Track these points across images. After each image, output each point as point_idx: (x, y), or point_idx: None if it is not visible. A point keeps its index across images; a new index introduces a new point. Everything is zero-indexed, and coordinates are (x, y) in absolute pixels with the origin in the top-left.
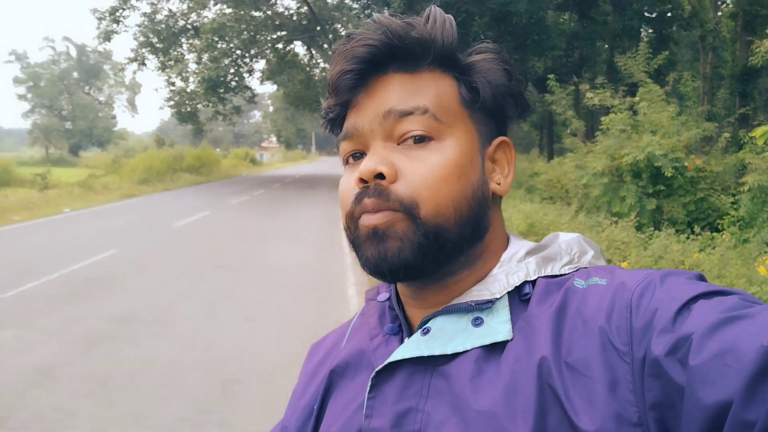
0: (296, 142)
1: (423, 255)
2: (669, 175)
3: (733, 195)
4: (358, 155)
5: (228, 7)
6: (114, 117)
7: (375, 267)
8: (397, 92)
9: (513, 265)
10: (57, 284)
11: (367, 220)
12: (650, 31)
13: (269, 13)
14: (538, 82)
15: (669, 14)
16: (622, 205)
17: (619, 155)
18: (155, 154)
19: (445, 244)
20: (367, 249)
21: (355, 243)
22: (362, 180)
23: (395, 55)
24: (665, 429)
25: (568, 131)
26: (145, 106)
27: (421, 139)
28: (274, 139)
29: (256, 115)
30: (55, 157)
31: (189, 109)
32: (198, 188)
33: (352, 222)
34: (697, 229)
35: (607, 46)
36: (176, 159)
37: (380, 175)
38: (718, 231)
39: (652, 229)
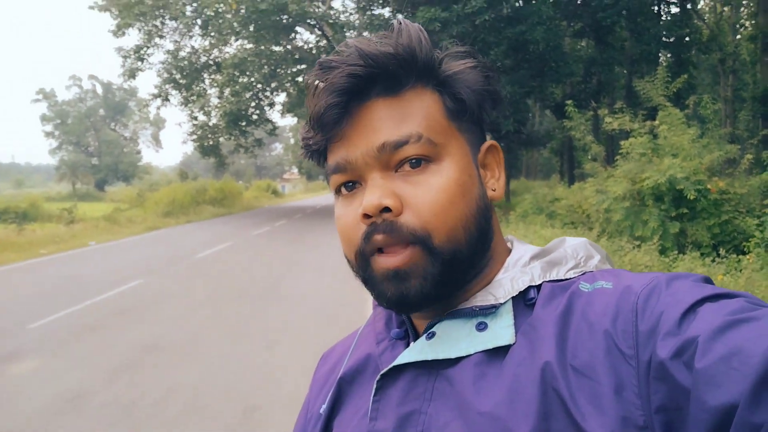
0: (317, 173)
1: (443, 284)
2: (691, 197)
3: (759, 217)
4: (351, 185)
5: (249, 42)
6: (139, 152)
7: (396, 305)
8: (385, 121)
9: (517, 270)
10: (83, 314)
11: (386, 263)
12: (669, 55)
13: (289, 47)
14: (556, 108)
15: (687, 38)
16: (645, 228)
17: (640, 179)
18: (179, 188)
19: (460, 265)
20: (386, 288)
21: (370, 281)
22: (367, 215)
23: (377, 80)
24: None
25: (589, 156)
26: (169, 141)
27: (418, 163)
28: (295, 170)
29: (278, 147)
30: (81, 192)
31: (211, 142)
32: (221, 220)
33: (362, 260)
34: (722, 251)
35: (625, 71)
36: (199, 192)
37: (386, 209)
38: (744, 253)
39: (676, 252)
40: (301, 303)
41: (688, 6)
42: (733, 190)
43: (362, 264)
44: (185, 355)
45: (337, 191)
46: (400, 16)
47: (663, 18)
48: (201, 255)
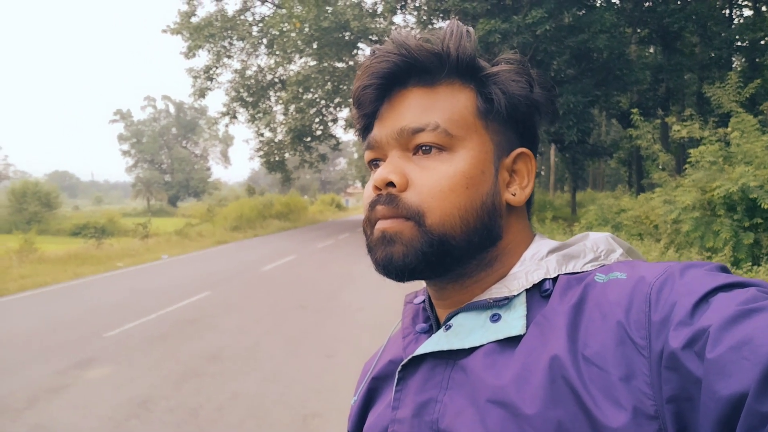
0: None
1: (427, 261)
2: (766, 207)
3: None
4: (379, 162)
5: (312, 59)
6: (209, 168)
7: (383, 268)
8: (413, 108)
9: (533, 264)
10: (154, 324)
11: (379, 225)
12: (743, 59)
13: (351, 63)
14: (622, 117)
15: (762, 42)
16: (716, 239)
17: (710, 188)
18: (246, 203)
19: (452, 250)
20: (377, 250)
21: (370, 246)
22: (377, 187)
23: (412, 70)
24: (682, 422)
25: (657, 166)
26: (237, 157)
27: (430, 149)
28: (359, 184)
29: (342, 162)
30: (155, 208)
31: (277, 158)
32: (286, 234)
33: (369, 226)
34: None
35: (696, 77)
36: (266, 206)
37: (392, 184)
38: None
39: (750, 264)
40: (360, 314)
41: (763, 8)
42: None
43: (368, 230)
44: (248, 364)
45: (371, 166)
46: (455, 20)
47: (735, 21)
48: (266, 268)
